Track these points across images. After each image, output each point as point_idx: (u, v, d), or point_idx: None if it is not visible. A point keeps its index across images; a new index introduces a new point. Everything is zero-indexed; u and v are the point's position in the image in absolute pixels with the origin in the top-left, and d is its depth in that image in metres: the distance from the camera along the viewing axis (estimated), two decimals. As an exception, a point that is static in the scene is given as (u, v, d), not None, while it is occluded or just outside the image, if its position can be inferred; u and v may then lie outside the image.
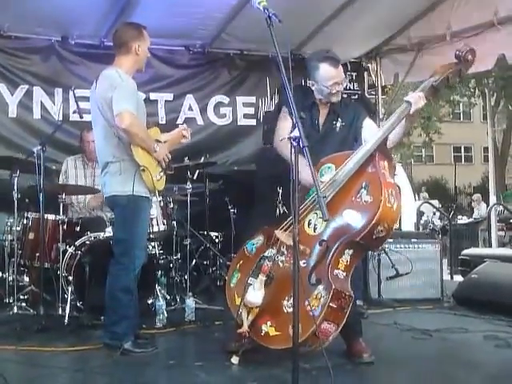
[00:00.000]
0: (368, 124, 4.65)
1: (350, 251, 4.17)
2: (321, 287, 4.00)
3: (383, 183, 4.12)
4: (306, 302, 3.80)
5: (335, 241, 4.13)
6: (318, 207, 4.10)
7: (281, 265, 4.30)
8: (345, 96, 7.32)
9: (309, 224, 4.23)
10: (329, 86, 4.55)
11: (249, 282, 4.29)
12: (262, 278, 4.26)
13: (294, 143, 3.39)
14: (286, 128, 4.40)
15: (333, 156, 4.36)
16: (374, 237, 4.11)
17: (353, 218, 4.12)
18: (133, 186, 4.62)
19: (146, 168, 4.69)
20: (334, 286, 3.94)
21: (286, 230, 4.30)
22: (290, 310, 4.02)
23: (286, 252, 4.30)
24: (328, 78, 4.54)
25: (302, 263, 4.01)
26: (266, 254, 4.36)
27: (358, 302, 5.95)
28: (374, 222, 4.04)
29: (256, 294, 4.23)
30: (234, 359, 4.32)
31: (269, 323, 4.17)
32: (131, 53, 4.82)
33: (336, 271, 4.11)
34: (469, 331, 5.49)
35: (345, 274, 4.15)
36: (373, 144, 4.26)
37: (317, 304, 3.92)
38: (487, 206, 18.42)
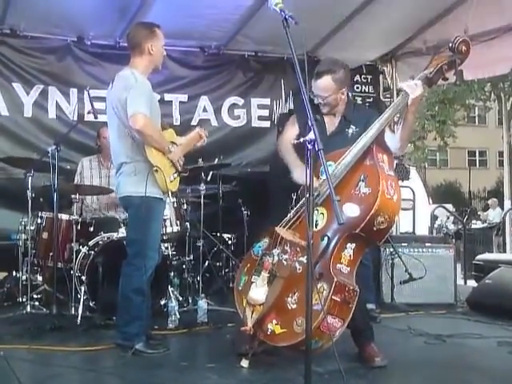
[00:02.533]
0: None
1: (352, 245, 4.17)
2: (323, 281, 4.00)
3: (381, 174, 4.11)
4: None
5: (336, 235, 4.13)
6: (320, 204, 4.20)
7: (284, 263, 4.30)
8: (359, 100, 7.34)
9: None
10: (313, 96, 4.54)
11: (252, 280, 4.32)
12: (265, 274, 4.27)
13: (309, 146, 3.37)
14: (291, 134, 4.53)
15: (331, 154, 4.30)
16: (374, 228, 4.10)
17: (352, 211, 4.11)
18: (145, 187, 4.62)
19: (159, 168, 4.69)
20: (335, 279, 3.95)
21: (285, 227, 4.32)
22: (294, 306, 4.07)
23: (289, 250, 4.30)
24: (312, 87, 4.54)
25: (304, 259, 4.05)
26: (267, 252, 4.37)
27: (371, 306, 5.94)
28: (372, 212, 4.03)
29: (258, 290, 4.25)
30: (244, 362, 4.31)
31: (274, 321, 4.18)
32: (145, 53, 4.83)
33: (339, 265, 4.11)
34: (482, 337, 5.45)
35: (349, 268, 4.15)
36: (370, 137, 4.24)
37: (320, 298, 3.90)
38: (502, 211, 18.32)
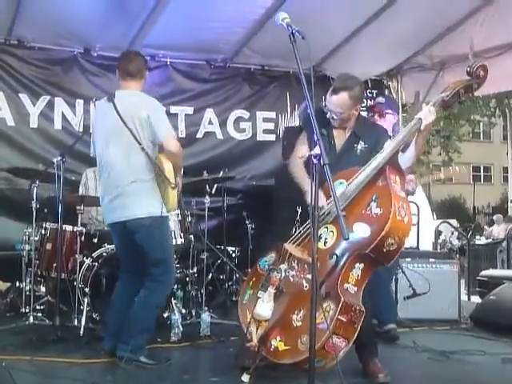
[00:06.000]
0: None
1: (361, 265, 4.14)
2: (330, 300, 3.98)
3: (393, 196, 4.10)
4: (316, 315, 3.77)
5: (345, 254, 4.11)
6: (330, 222, 4.16)
7: (291, 279, 4.28)
8: (365, 115, 7.35)
9: (319, 238, 4.21)
10: (326, 110, 4.56)
11: (258, 295, 4.29)
12: (271, 290, 4.25)
13: (315, 160, 3.37)
14: (302, 152, 4.50)
15: (343, 172, 4.33)
16: (384, 250, 4.08)
17: (363, 231, 4.09)
18: (162, 207, 4.73)
19: (175, 185, 4.75)
20: (342, 299, 3.93)
21: (295, 244, 4.31)
22: (299, 324, 4.04)
23: (296, 266, 4.28)
24: (326, 101, 4.57)
25: (311, 277, 4.01)
26: (274, 267, 4.35)
27: (392, 326, 5.91)
28: (383, 233, 4.02)
29: (265, 306, 4.22)
30: (245, 377, 4.27)
31: (278, 338, 4.16)
32: (144, 78, 5.01)
33: (346, 285, 4.08)
34: (486, 353, 5.41)
35: (356, 288, 4.12)
36: (383, 157, 4.24)
37: (325, 317, 3.88)
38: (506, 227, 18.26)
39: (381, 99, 6.59)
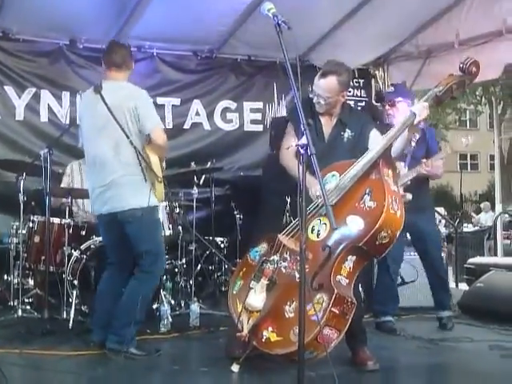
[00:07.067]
0: (374, 135, 4.63)
1: (353, 257, 4.17)
2: (323, 292, 4.00)
3: (387, 189, 4.13)
4: (308, 307, 3.79)
5: (338, 246, 4.12)
6: (323, 214, 4.14)
7: (283, 270, 4.29)
8: (351, 104, 7.36)
9: (312, 230, 4.23)
10: (313, 95, 4.58)
11: (250, 285, 4.31)
12: (264, 281, 4.27)
13: (302, 151, 3.37)
14: (290, 143, 4.44)
15: (336, 164, 4.36)
16: (377, 243, 4.10)
17: (356, 224, 4.11)
18: (149, 198, 4.71)
19: (162, 179, 4.78)
20: (336, 291, 3.95)
21: (288, 235, 4.31)
22: (292, 315, 4.05)
23: (288, 258, 4.30)
24: (314, 86, 4.58)
25: (299, 268, 4.01)
26: (268, 259, 4.36)
27: (389, 318, 5.97)
28: (376, 226, 4.04)
29: (257, 297, 4.24)
30: (234, 367, 4.29)
31: (270, 329, 4.16)
32: (130, 68, 5.00)
33: (338, 277, 4.10)
34: (474, 340, 5.46)
35: (347, 280, 4.15)
36: (377, 151, 4.26)
37: (318, 309, 3.91)
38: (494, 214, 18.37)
39: (390, 89, 6.59)
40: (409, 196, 5.69)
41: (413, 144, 5.85)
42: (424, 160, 5.84)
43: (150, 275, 4.88)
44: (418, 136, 5.87)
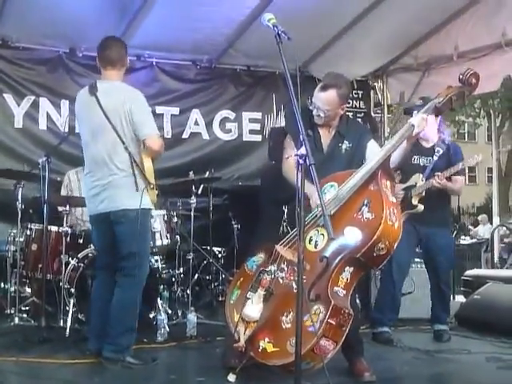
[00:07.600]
0: (372, 146, 4.65)
1: (350, 269, 4.15)
2: (320, 303, 3.98)
3: (385, 201, 4.12)
4: (305, 318, 3.78)
5: (335, 257, 4.11)
6: (321, 225, 4.14)
7: (281, 281, 4.28)
8: (350, 115, 7.38)
9: (310, 240, 4.22)
10: (313, 107, 4.59)
11: (247, 296, 4.29)
12: (261, 292, 4.25)
13: (301, 161, 3.38)
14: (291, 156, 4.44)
15: (335, 175, 4.36)
16: (374, 254, 4.09)
17: (354, 235, 4.10)
18: (141, 199, 4.66)
19: (154, 186, 4.77)
20: (333, 302, 3.94)
21: (286, 246, 4.30)
22: (288, 325, 4.03)
23: (286, 268, 4.28)
24: (314, 98, 4.59)
25: (297, 278, 4.01)
26: (265, 269, 4.35)
27: (386, 329, 5.99)
28: (374, 238, 4.03)
29: (254, 307, 4.22)
30: (231, 377, 4.26)
31: (266, 339, 4.14)
32: (125, 65, 4.96)
33: (336, 288, 4.09)
34: (471, 352, 5.45)
35: (344, 292, 4.13)
36: (375, 162, 4.26)
37: (315, 320, 3.90)
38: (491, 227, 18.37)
39: (419, 102, 6.58)
40: (420, 207, 5.74)
41: (435, 158, 5.90)
42: (438, 173, 5.86)
43: (132, 279, 4.75)
44: (441, 151, 5.94)
